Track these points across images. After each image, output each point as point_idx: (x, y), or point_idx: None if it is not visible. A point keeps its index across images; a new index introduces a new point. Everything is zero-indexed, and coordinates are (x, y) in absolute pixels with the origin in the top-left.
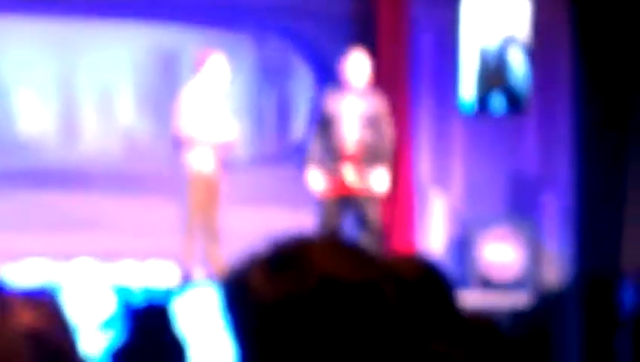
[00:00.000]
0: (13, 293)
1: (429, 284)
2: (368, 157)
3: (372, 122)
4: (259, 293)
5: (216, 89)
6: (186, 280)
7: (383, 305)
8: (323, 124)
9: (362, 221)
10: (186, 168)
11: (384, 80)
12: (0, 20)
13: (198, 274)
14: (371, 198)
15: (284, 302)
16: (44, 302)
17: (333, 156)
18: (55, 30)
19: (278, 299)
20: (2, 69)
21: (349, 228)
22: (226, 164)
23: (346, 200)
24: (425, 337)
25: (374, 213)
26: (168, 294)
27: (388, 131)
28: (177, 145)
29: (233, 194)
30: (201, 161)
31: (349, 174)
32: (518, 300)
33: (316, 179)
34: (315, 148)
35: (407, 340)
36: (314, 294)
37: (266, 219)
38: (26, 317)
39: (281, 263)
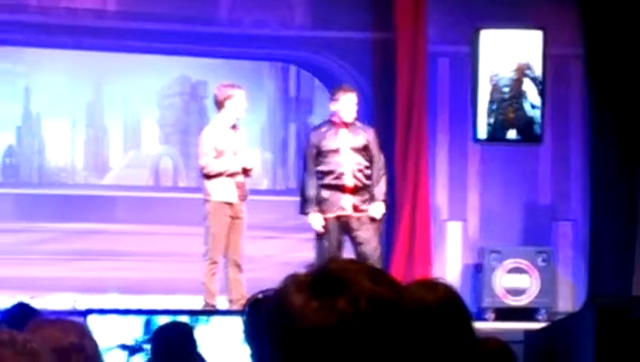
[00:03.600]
0: (46, 316)
1: (449, 309)
2: (364, 186)
3: (364, 153)
4: (306, 318)
5: (236, 121)
6: (210, 308)
7: (416, 325)
8: (316, 158)
9: (361, 252)
10: (208, 198)
11: (402, 112)
12: (31, 51)
13: (221, 302)
14: (370, 227)
15: (336, 326)
16: (73, 322)
17: (329, 187)
18: (84, 61)
19: (332, 323)
20: (32, 98)
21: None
22: (248, 193)
23: (345, 227)
24: (445, 360)
25: (374, 243)
26: (192, 321)
27: (380, 160)
28: (201, 176)
29: (254, 223)
30: (222, 192)
31: (347, 203)
32: (533, 327)
33: (317, 221)
34: (311, 185)
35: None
36: (365, 316)
37: (287, 247)
38: (57, 335)
39: (329, 287)
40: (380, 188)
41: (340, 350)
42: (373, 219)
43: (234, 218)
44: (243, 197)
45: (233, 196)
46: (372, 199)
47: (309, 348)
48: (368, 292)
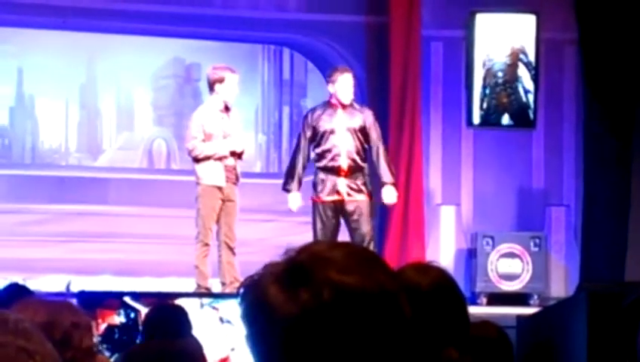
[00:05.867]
0: (38, 297)
1: (443, 292)
2: (359, 169)
3: (360, 135)
4: (278, 309)
5: (228, 104)
6: (202, 290)
7: (396, 313)
8: (312, 140)
9: (356, 235)
10: (199, 181)
11: (396, 96)
12: (24, 32)
13: (214, 284)
14: (364, 212)
15: (301, 317)
16: (65, 302)
17: (325, 170)
18: (77, 42)
19: (296, 314)
20: (25, 79)
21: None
22: (241, 176)
23: (340, 211)
24: (438, 344)
25: (367, 227)
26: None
27: (378, 140)
28: (191, 159)
29: (247, 206)
30: (211, 175)
31: (342, 186)
32: (525, 312)
33: (294, 201)
34: (298, 163)
35: (421, 347)
36: (330, 307)
37: (280, 230)
38: (48, 315)
39: (296, 277)
40: (385, 171)
41: (308, 340)
42: (367, 203)
43: (225, 201)
44: (233, 181)
45: (221, 180)
46: (366, 184)
47: (285, 338)
48: (333, 283)
